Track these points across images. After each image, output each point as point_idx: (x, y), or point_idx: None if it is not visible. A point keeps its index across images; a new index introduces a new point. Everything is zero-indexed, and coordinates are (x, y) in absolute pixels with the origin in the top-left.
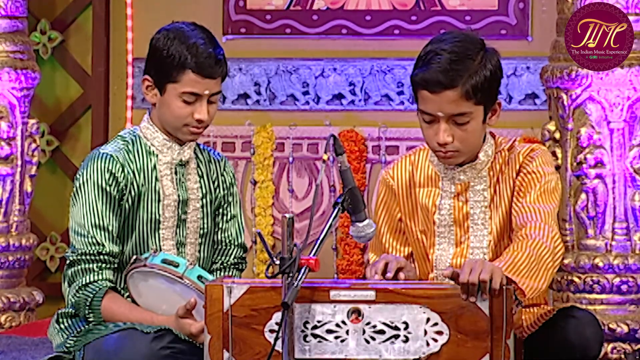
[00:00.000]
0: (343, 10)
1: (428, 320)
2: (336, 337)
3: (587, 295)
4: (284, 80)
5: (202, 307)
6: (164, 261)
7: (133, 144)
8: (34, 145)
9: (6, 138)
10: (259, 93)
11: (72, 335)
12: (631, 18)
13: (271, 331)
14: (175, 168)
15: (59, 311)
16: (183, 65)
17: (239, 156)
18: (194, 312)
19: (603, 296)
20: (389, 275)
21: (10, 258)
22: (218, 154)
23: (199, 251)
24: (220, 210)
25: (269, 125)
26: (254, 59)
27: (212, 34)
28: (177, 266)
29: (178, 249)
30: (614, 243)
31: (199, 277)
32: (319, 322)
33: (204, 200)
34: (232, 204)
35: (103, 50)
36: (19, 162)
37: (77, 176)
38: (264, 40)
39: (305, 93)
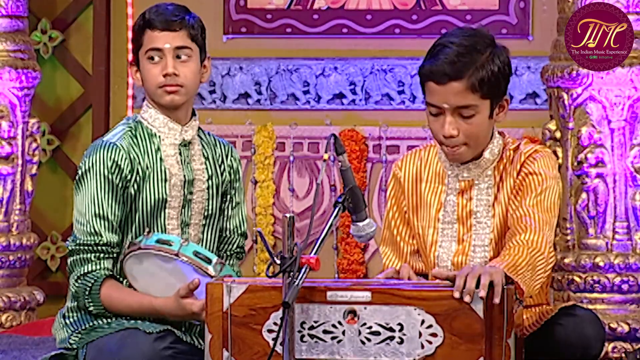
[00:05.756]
0: (344, 10)
1: (423, 322)
2: (332, 338)
3: (587, 295)
4: (284, 79)
5: (203, 284)
6: (159, 241)
7: (136, 129)
8: (34, 145)
9: (7, 137)
10: (259, 92)
11: (76, 331)
12: (631, 18)
13: (269, 331)
14: (180, 149)
15: (67, 305)
16: (142, 27)
17: (240, 155)
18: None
19: (604, 295)
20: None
21: (11, 257)
22: (225, 140)
23: (202, 232)
24: (228, 196)
25: (270, 125)
26: (255, 59)
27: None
28: (171, 244)
29: (182, 229)
30: (614, 242)
31: (195, 253)
32: (315, 322)
33: (210, 182)
34: (237, 190)
35: (104, 50)
36: (20, 162)
37: (80, 165)
38: (265, 40)
39: (306, 92)
